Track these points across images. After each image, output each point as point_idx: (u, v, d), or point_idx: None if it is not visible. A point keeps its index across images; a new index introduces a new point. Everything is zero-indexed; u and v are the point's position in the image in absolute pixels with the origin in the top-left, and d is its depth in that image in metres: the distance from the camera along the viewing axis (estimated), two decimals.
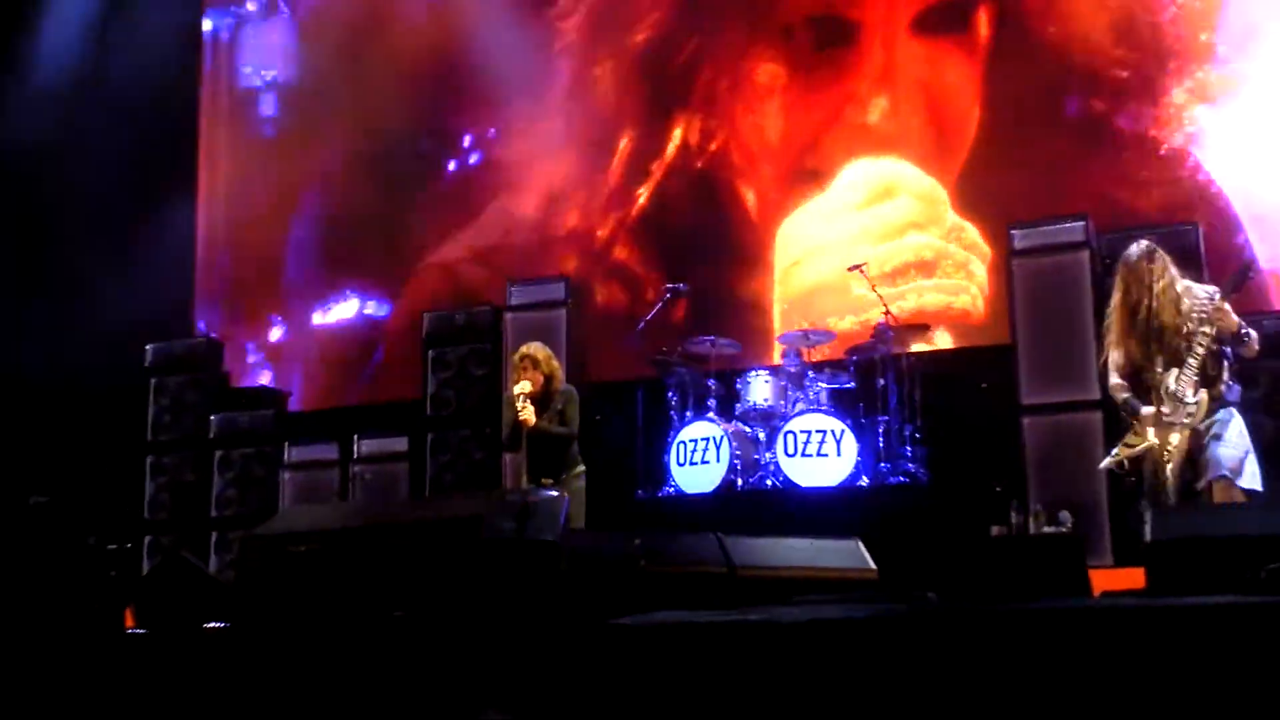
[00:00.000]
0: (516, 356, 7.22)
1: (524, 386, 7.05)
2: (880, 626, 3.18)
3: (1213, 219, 9.17)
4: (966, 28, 10.64)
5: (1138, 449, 5.98)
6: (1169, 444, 5.84)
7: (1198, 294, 5.95)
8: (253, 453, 10.23)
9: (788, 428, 8.65)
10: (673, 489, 8.97)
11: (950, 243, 10.31)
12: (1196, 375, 5.83)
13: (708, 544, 4.69)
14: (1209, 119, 9.75)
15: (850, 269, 9.37)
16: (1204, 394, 5.83)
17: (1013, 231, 8.80)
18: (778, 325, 10.59)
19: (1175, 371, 5.83)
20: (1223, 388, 5.87)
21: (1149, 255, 5.98)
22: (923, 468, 8.77)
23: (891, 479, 8.72)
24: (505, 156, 12.16)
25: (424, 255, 12.21)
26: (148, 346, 10.68)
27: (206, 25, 13.31)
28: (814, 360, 9.28)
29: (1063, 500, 7.63)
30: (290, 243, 12.77)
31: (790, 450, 8.60)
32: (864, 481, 8.61)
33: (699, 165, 11.44)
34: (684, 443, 8.95)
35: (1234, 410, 5.90)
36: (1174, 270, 5.98)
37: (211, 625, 4.19)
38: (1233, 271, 6.35)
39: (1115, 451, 6.12)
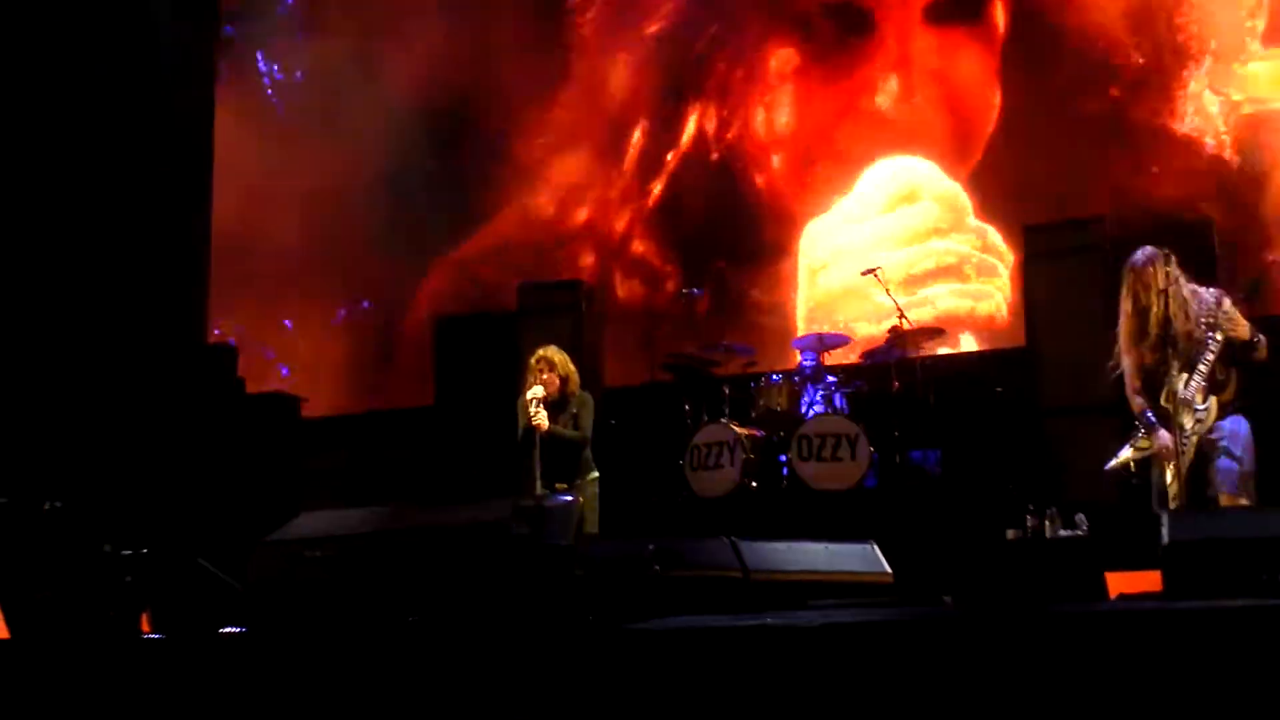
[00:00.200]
0: (533, 359, 7.22)
1: (537, 391, 7.04)
2: (896, 631, 3.17)
3: (1231, 209, 9.16)
4: (981, 18, 10.63)
5: (1146, 452, 5.97)
6: (1180, 450, 5.81)
7: (1205, 298, 5.92)
8: (267, 459, 10.26)
9: (802, 431, 8.63)
10: (686, 493, 8.96)
11: (974, 248, 10.30)
12: (1206, 381, 5.81)
13: (721, 548, 4.68)
14: (1226, 108, 9.73)
15: (864, 273, 9.35)
16: (1213, 400, 5.81)
17: (1029, 234, 8.78)
18: (801, 329, 10.60)
19: (1185, 377, 5.81)
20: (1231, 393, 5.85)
21: (1155, 260, 5.94)
22: (938, 471, 8.74)
23: (906, 483, 8.70)
24: (519, 153, 12.18)
25: (438, 255, 12.23)
26: (165, 352, 10.70)
27: (223, 27, 13.34)
28: (829, 364, 9.27)
29: (1079, 504, 7.60)
30: (304, 246, 12.79)
31: (805, 454, 8.58)
32: (879, 485, 8.59)
33: (715, 155, 11.44)
34: (698, 447, 8.94)
35: (1243, 419, 5.87)
36: (1180, 275, 5.95)
37: (227, 630, 4.20)
38: (1246, 279, 6.33)
39: (1123, 453, 6.10)
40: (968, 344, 10.20)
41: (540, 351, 7.24)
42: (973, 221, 10.36)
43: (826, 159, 11.02)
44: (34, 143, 10.65)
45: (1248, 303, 5.97)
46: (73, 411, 10.41)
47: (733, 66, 11.46)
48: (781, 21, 11.36)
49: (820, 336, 9.26)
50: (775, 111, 11.30)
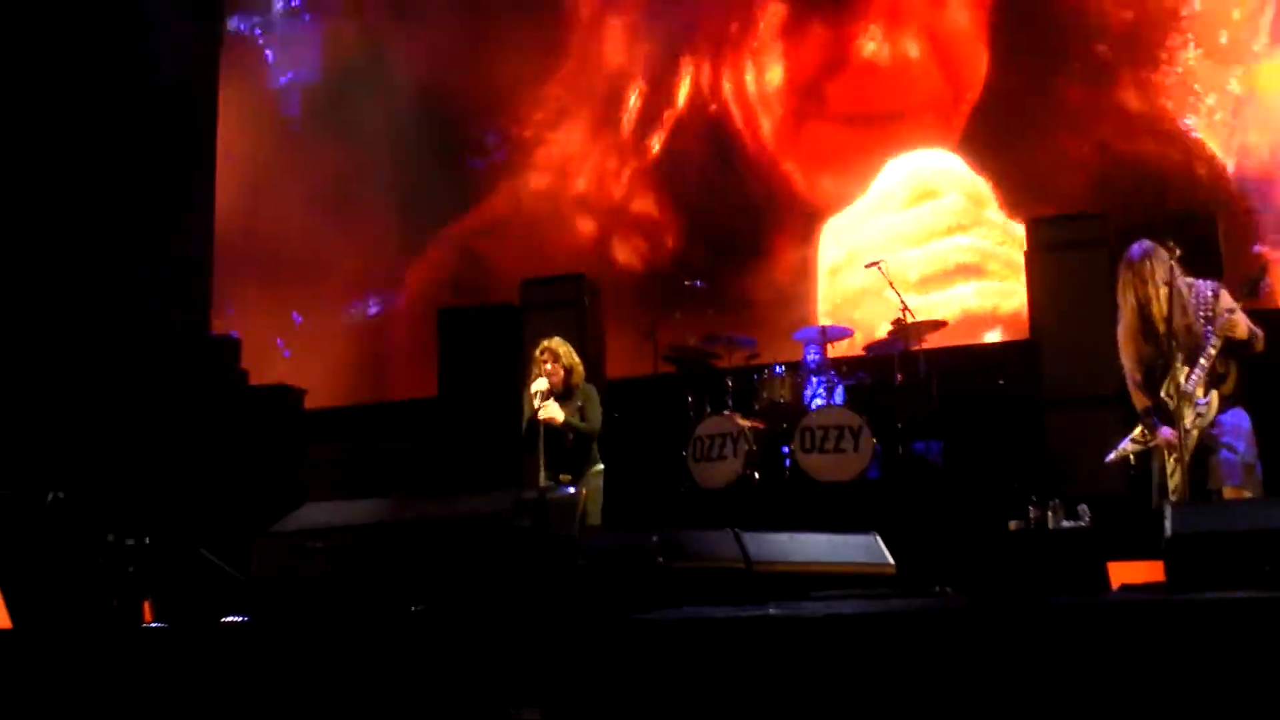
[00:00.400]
0: (537, 351, 7.22)
1: (542, 384, 7.04)
2: (898, 621, 3.17)
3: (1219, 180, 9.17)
4: None
5: (1150, 444, 5.98)
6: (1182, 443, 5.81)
7: (1202, 292, 5.91)
8: (270, 450, 10.26)
9: (805, 423, 8.63)
10: (689, 485, 8.96)
11: (997, 243, 10.27)
12: (1207, 375, 5.80)
13: (725, 540, 4.68)
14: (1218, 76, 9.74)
15: (868, 265, 9.31)
16: (1214, 394, 5.81)
17: (1032, 227, 8.75)
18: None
19: (1186, 370, 5.80)
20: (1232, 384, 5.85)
21: (1151, 254, 5.92)
22: (940, 462, 8.74)
23: (909, 474, 8.70)
24: (518, 130, 12.18)
25: (439, 232, 12.25)
26: (168, 343, 10.71)
27: (230, 25, 13.35)
28: (832, 356, 9.26)
29: (1082, 495, 7.60)
30: (307, 239, 12.80)
31: (808, 445, 8.58)
32: (881, 477, 8.59)
33: (711, 109, 11.44)
34: (700, 438, 8.94)
35: (1244, 413, 5.87)
36: (1177, 269, 5.92)
37: (229, 620, 4.20)
38: (1245, 276, 6.30)
39: (1124, 445, 6.10)
40: (992, 339, 10.17)
41: (545, 343, 7.24)
42: (995, 215, 10.33)
43: (817, 118, 10.98)
44: (36, 133, 10.64)
45: (1247, 298, 5.94)
46: (76, 402, 10.42)
47: (727, 20, 11.45)
48: None
49: (823, 329, 9.26)
50: (770, 62, 11.26)
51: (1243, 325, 5.81)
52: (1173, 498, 5.79)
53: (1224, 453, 5.80)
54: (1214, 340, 5.78)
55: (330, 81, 13.00)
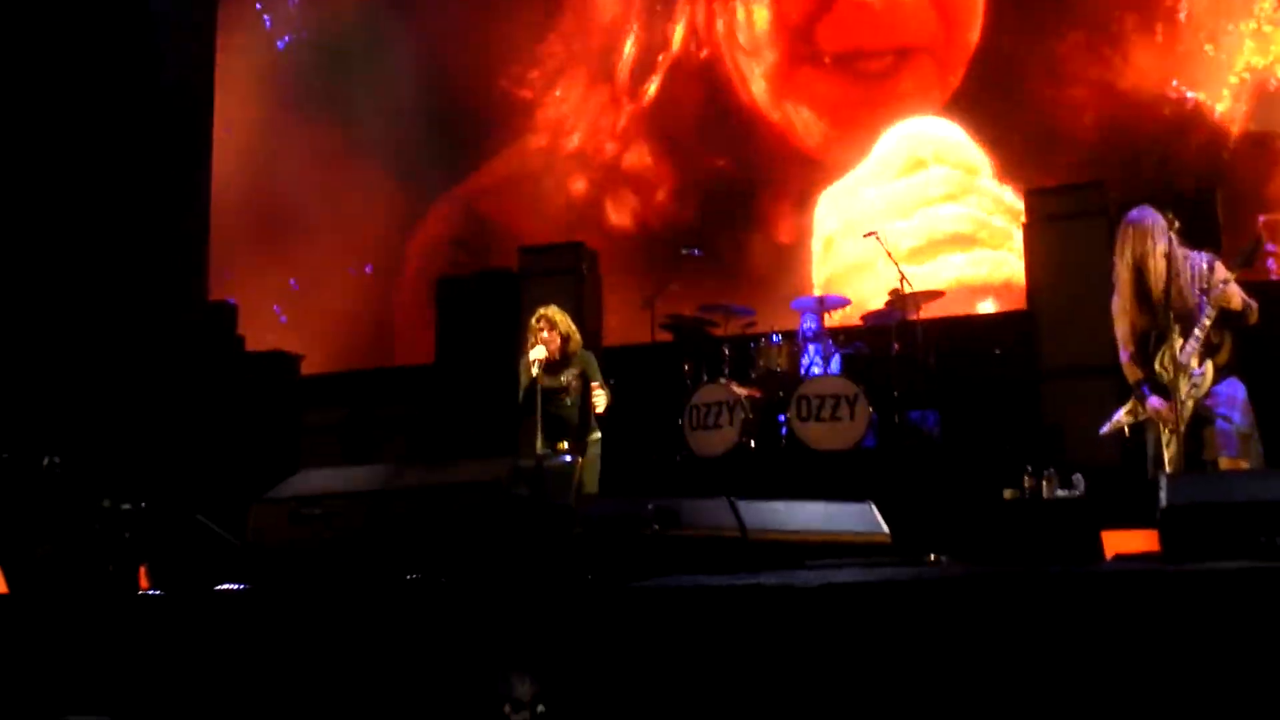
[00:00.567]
0: (533, 319, 7.22)
1: (539, 353, 7.05)
2: (893, 590, 3.18)
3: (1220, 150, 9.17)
4: None
5: (1141, 417, 5.98)
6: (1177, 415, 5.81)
7: (1197, 262, 5.90)
8: (266, 416, 10.26)
9: (801, 392, 8.63)
10: (685, 453, 8.97)
11: (990, 212, 10.25)
12: (1202, 346, 5.80)
13: (720, 508, 4.68)
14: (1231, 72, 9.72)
15: (865, 235, 9.29)
16: (1209, 364, 5.81)
17: (1031, 198, 8.73)
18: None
19: (1181, 341, 5.79)
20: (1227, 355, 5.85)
21: (1152, 218, 5.90)
22: (936, 432, 8.75)
23: (905, 443, 8.71)
24: (517, 92, 12.14)
25: (439, 197, 12.23)
26: (165, 309, 10.70)
27: None
28: (829, 325, 9.25)
29: (1077, 465, 7.61)
30: (302, 204, 12.76)
31: (804, 414, 8.58)
32: (878, 446, 8.60)
33: (704, 54, 11.40)
34: (697, 406, 8.94)
35: (1239, 383, 5.86)
36: (1175, 240, 5.90)
37: (225, 587, 4.21)
38: (1243, 248, 6.28)
39: (1118, 416, 6.10)
40: (987, 310, 10.16)
41: (541, 310, 7.25)
42: (989, 184, 10.30)
43: (810, 62, 10.94)
44: (32, 102, 10.60)
45: (1242, 268, 5.92)
46: (72, 368, 10.41)
47: None
48: None
49: (820, 298, 9.25)
50: (755, 5, 11.21)
51: (1237, 296, 5.80)
52: (1169, 469, 5.80)
53: (1219, 423, 5.80)
54: (1209, 311, 5.78)
55: (327, 45, 12.92)
